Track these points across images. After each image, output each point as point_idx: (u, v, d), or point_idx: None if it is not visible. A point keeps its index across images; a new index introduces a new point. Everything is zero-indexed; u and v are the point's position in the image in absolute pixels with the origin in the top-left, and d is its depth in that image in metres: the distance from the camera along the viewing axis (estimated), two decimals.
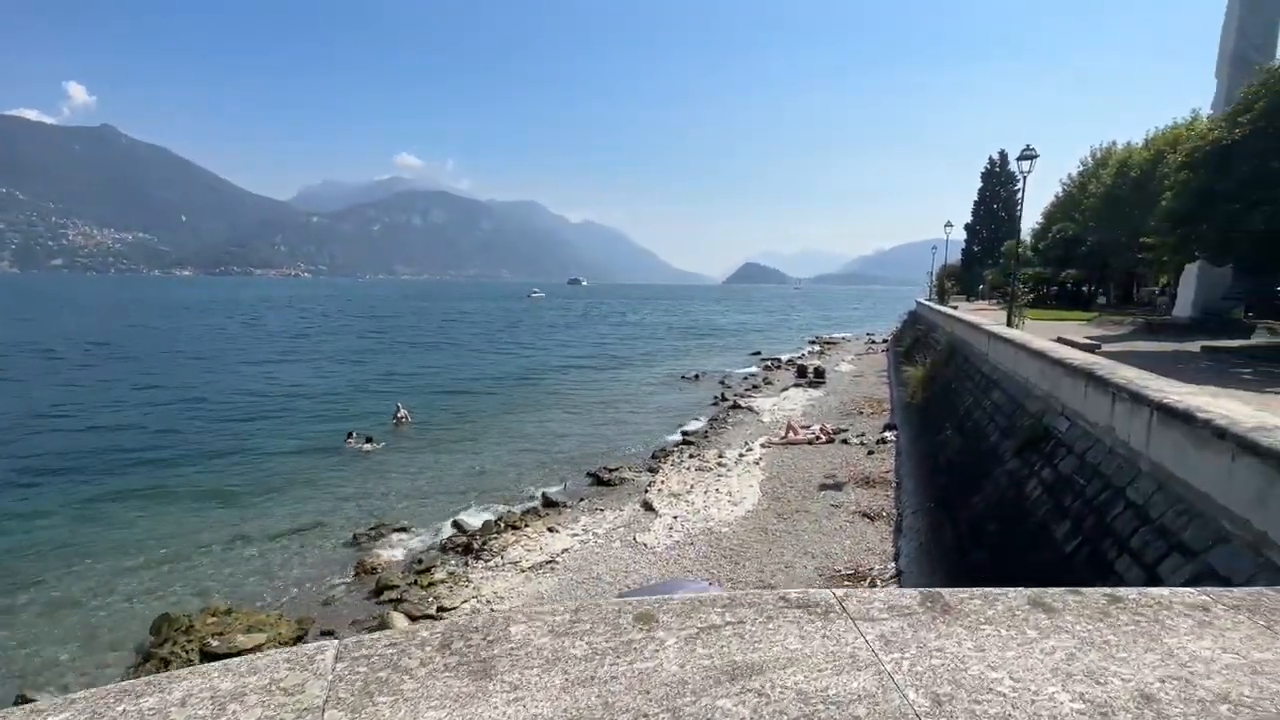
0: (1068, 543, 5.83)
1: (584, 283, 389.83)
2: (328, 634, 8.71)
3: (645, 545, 10.88)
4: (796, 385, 28.07)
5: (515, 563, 10.47)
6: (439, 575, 10.12)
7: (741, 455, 16.38)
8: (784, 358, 40.27)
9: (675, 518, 12.09)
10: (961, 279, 57.13)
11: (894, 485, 13.07)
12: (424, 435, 20.11)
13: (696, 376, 33.31)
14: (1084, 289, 38.74)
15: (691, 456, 16.55)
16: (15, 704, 7.00)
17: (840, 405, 23.06)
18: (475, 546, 11.24)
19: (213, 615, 8.66)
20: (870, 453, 15.85)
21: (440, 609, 8.98)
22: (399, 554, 11.38)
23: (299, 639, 8.48)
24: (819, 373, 28.83)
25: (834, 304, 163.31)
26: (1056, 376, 8.10)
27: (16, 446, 18.13)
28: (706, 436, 19.54)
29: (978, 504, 8.52)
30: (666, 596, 2.23)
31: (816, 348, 48.34)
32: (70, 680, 7.71)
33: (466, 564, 10.70)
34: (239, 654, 7.54)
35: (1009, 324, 16.34)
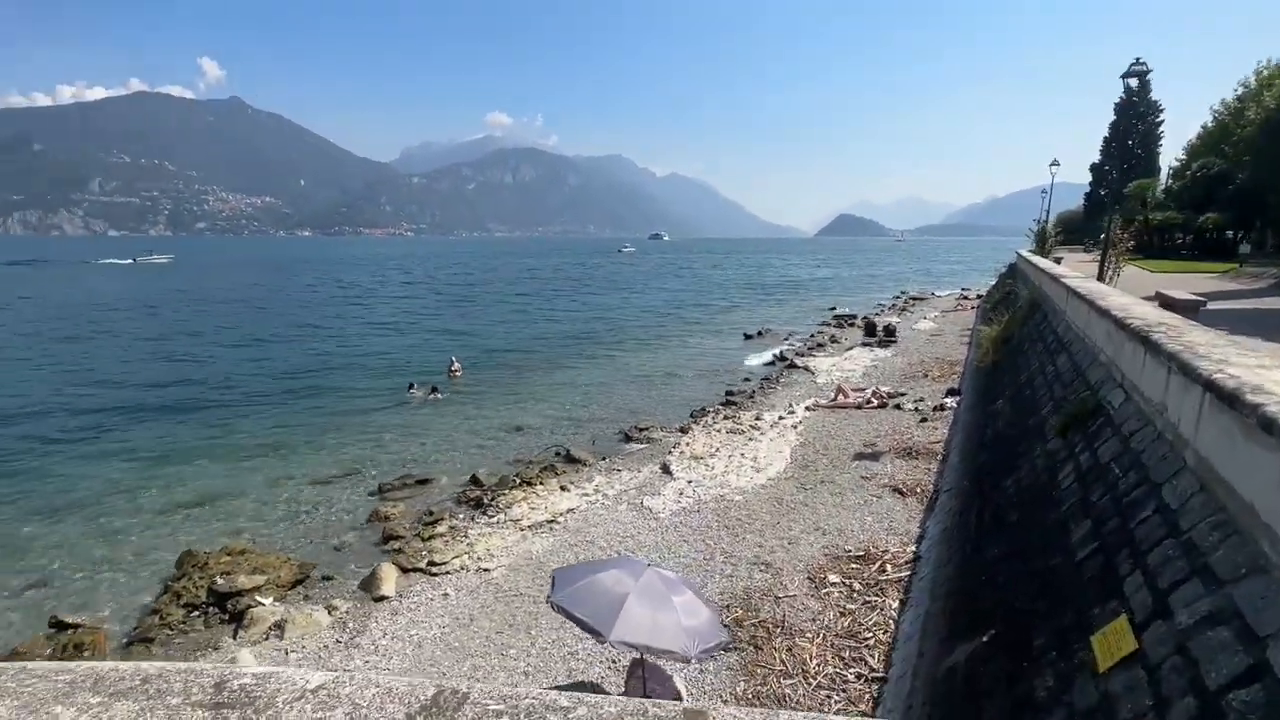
0: (1082, 547, 4.72)
1: (665, 237, 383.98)
2: (326, 579, 9.06)
3: (650, 510, 10.46)
4: (864, 345, 26.21)
5: (517, 520, 10.39)
6: (441, 529, 10.22)
7: (781, 418, 15.47)
8: (859, 315, 37.83)
9: (689, 482, 11.56)
10: (1081, 227, 50.45)
11: (939, 458, 11.76)
12: (473, 389, 20.60)
13: (760, 333, 32.14)
14: (1228, 236, 32.96)
15: (726, 418, 15.83)
16: (50, 627, 7.78)
17: (906, 367, 21.27)
18: (485, 501, 11.30)
19: (227, 554, 9.22)
20: (923, 420, 14.43)
21: (431, 563, 9.05)
22: (417, 504, 11.67)
23: (298, 582, 8.87)
24: (889, 331, 26.69)
25: (934, 257, 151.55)
26: (1120, 340, 6.63)
27: (123, 391, 20.40)
28: (752, 397, 18.69)
29: (1009, 487, 7.30)
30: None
31: (900, 304, 45.13)
32: (102, 605, 8.51)
33: (472, 518, 10.77)
34: (240, 594, 8.02)
35: (1100, 275, 13.99)
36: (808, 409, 16.34)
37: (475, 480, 12.46)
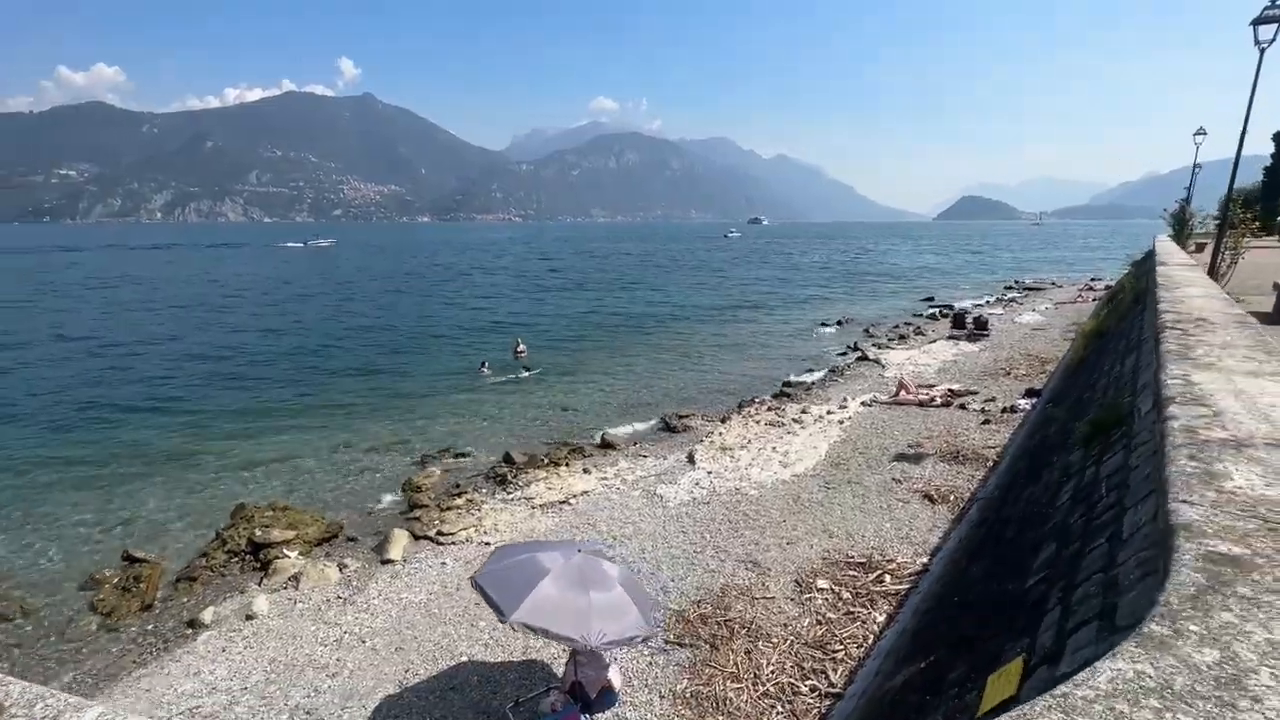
0: (1035, 574, 4.11)
1: (765, 221, 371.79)
2: (350, 540, 9.84)
3: (660, 498, 10.37)
4: (950, 338, 24.17)
5: (531, 499, 10.69)
6: (459, 501, 10.72)
7: (829, 413, 14.70)
8: (955, 305, 34.87)
9: (709, 473, 11.32)
10: (1263, 207, 42.78)
11: (989, 465, 10.67)
12: (535, 367, 21.37)
13: (839, 323, 30.66)
14: None
15: (770, 410, 15.28)
16: (122, 559, 9.10)
17: (989, 364, 19.39)
18: (509, 478, 11.71)
19: (272, 509, 10.26)
20: (986, 422, 13.12)
21: (440, 533, 9.54)
22: (450, 476, 12.32)
23: (325, 540, 9.71)
24: (980, 324, 24.36)
25: (1070, 242, 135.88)
26: (1149, 338, 5.65)
27: (228, 362, 23.20)
28: (809, 389, 17.91)
29: (1022, 499, 6.51)
30: None
31: (1010, 294, 41.14)
32: (169, 544, 9.84)
33: (492, 494, 11.21)
34: (272, 545, 8.92)
35: (1212, 264, 11.91)
36: (863, 404, 15.45)
37: (508, 458, 12.92)
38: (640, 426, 15.25)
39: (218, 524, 10.24)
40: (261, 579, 8.56)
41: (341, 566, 8.80)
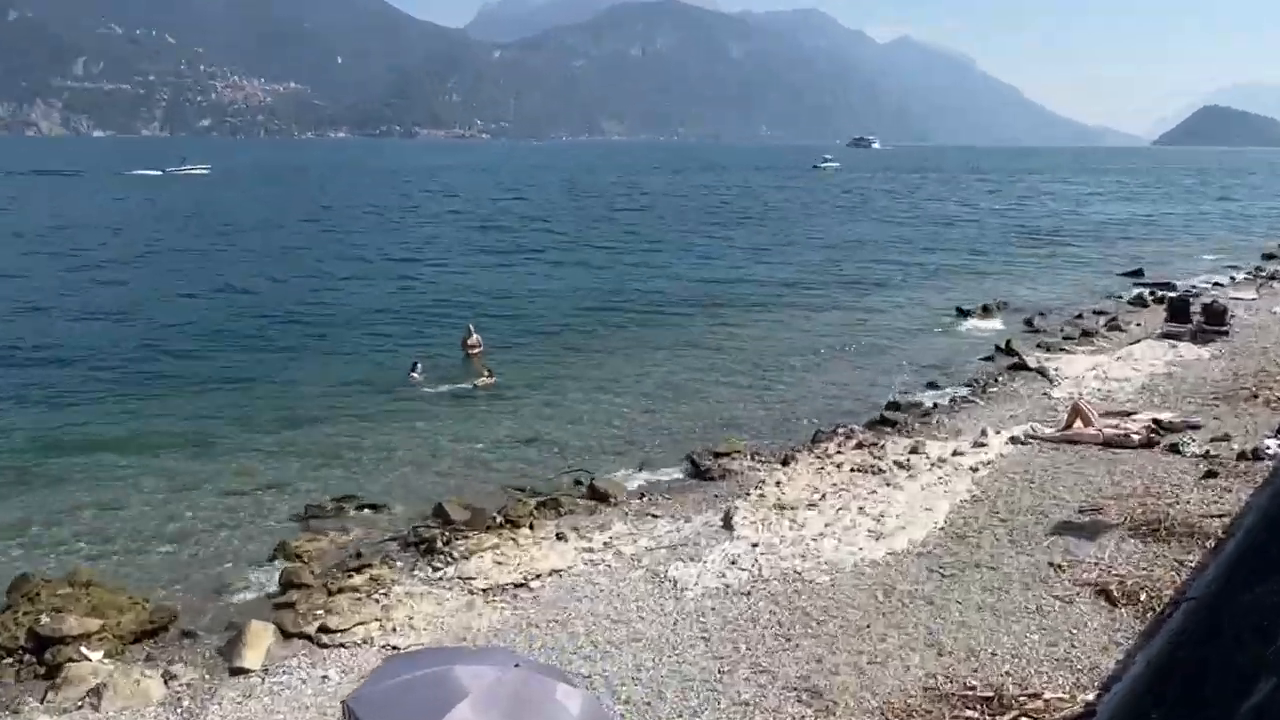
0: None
1: (875, 144, 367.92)
2: (187, 635, 10.00)
3: (674, 584, 10.38)
4: (1166, 335, 23.82)
5: (469, 579, 10.76)
6: (358, 580, 10.83)
7: (956, 453, 14.62)
8: (1177, 285, 34.29)
9: (754, 545, 11.31)
10: None
11: (1211, 544, 10.50)
12: (497, 372, 21.54)
13: (988, 309, 30.49)
14: None
15: (861, 447, 15.23)
16: None
17: (1225, 380, 19.10)
18: (438, 545, 11.83)
19: (70, 585, 10.38)
20: (1211, 474, 12.91)
21: (324, 629, 9.63)
22: (347, 537, 12.45)
23: (147, 634, 9.85)
24: (1216, 315, 23.88)
25: None
26: None
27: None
28: (928, 416, 17.83)
29: (1246, 603, 6.41)
30: None
31: (1273, 268, 40.36)
32: None
33: (411, 568, 11.32)
34: (64, 641, 9.13)
35: None
36: (1013, 440, 15.34)
37: (440, 512, 13.03)
38: (652, 469, 15.35)
39: None
40: (46, 692, 8.72)
41: (169, 677, 8.91)
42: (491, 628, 9.64)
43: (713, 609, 9.72)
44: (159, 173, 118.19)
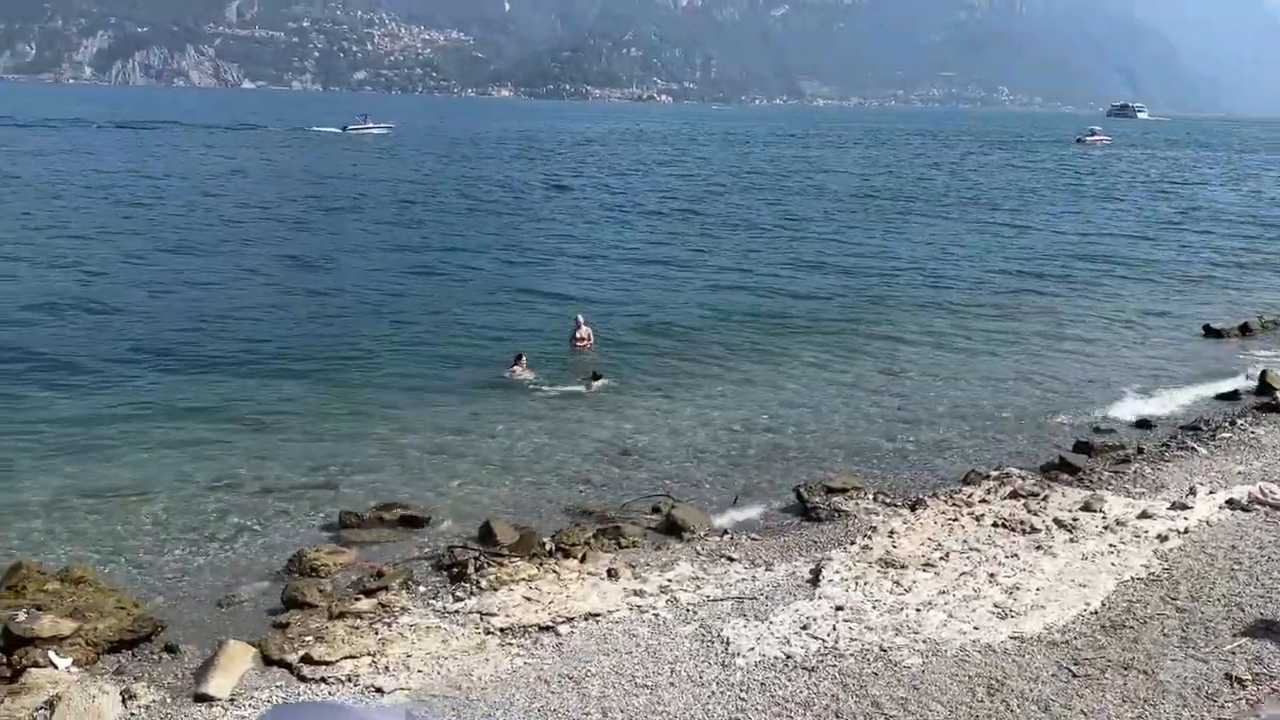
0: None
1: (1141, 113, 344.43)
2: (170, 650, 10.12)
3: (726, 645, 9.59)
4: None
5: (489, 614, 10.40)
6: (365, 604, 10.67)
7: (1145, 514, 13.00)
8: None
9: (838, 609, 10.33)
10: None
11: None
12: (608, 370, 21.30)
13: (1248, 329, 27.62)
14: None
15: (1016, 496, 13.83)
16: None
17: None
18: (470, 570, 11.58)
19: (61, 579, 10.78)
20: None
21: (307, 658, 9.46)
22: (373, 554, 12.45)
23: (125, 645, 10.04)
24: None
25: None
26: None
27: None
28: (1124, 463, 16.08)
29: None
30: None
31: None
32: None
33: (430, 596, 11.11)
34: (31, 642, 9.45)
35: None
36: (1230, 504, 13.54)
37: (487, 532, 12.84)
38: (750, 501, 14.78)
39: None
40: (2, 697, 9.03)
41: (128, 696, 8.97)
42: (494, 677, 9.19)
43: (762, 685, 8.87)
44: (338, 130, 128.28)
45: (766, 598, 10.84)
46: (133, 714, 8.82)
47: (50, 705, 8.80)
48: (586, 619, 10.42)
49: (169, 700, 9.04)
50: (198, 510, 13.81)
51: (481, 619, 10.40)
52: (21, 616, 9.98)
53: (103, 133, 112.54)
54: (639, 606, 10.70)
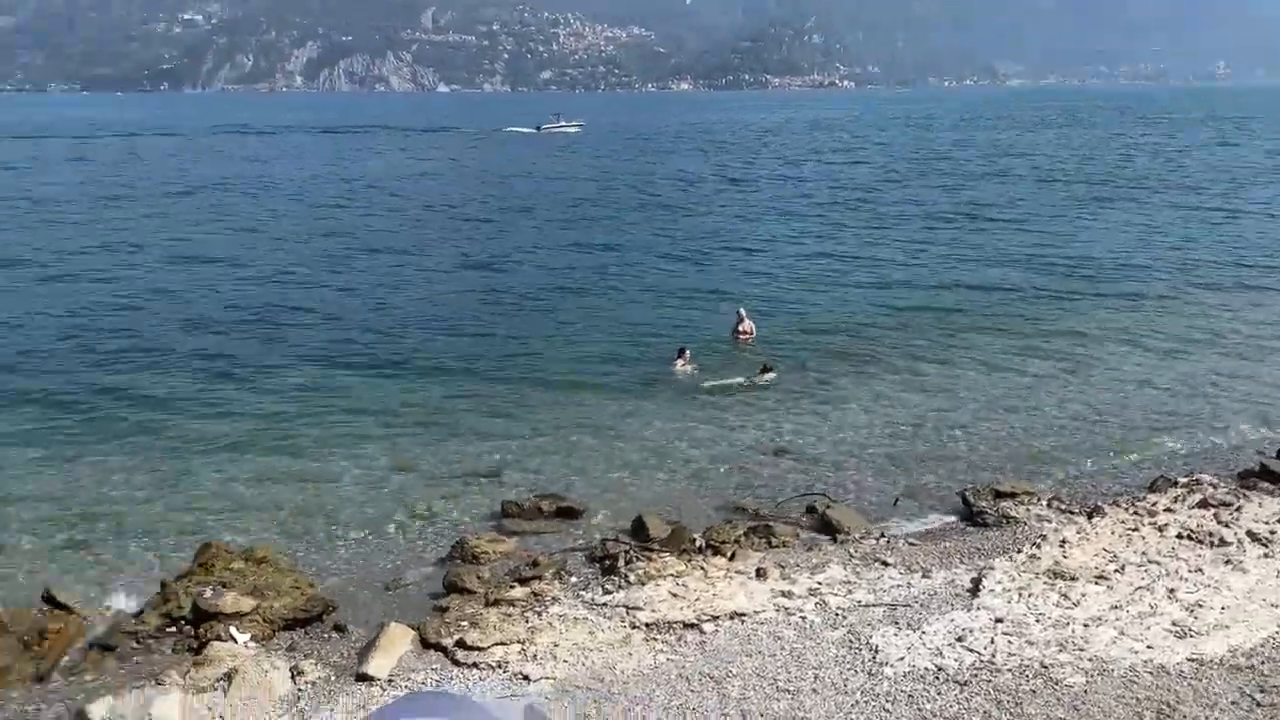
0: None
1: None
2: (339, 629, 10.72)
3: (875, 653, 9.31)
4: None
5: (635, 608, 10.49)
6: (519, 593, 10.98)
7: None
8: None
9: (998, 620, 9.85)
10: None
11: None
12: (769, 372, 21.10)
13: None
14: None
15: (1206, 505, 12.78)
16: (42, 599, 11.26)
17: None
18: (619, 564, 11.71)
19: (245, 559, 11.62)
20: None
21: (461, 643, 9.84)
22: (530, 543, 12.79)
23: (299, 623, 10.71)
24: None
25: None
26: None
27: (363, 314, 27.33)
28: None
29: None
30: None
31: None
32: (107, 584, 11.85)
33: (581, 588, 11.29)
34: (215, 617, 10.26)
35: None
36: None
37: (639, 526, 12.96)
38: (913, 505, 14.35)
39: (177, 565, 12.09)
40: (190, 668, 9.80)
41: (296, 673, 9.59)
42: (637, 672, 9.27)
43: (909, 697, 8.58)
44: (533, 130, 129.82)
45: (921, 606, 10.48)
46: (300, 690, 9.40)
47: (228, 677, 9.49)
48: (732, 618, 10.37)
49: (333, 678, 9.59)
50: (372, 498, 14.59)
51: (628, 613, 10.51)
52: (208, 593, 10.83)
53: (310, 138, 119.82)
54: (786, 608, 10.56)
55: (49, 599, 11.15)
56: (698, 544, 12.38)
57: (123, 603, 11.54)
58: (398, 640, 9.99)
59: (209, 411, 18.44)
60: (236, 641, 10.23)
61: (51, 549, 12.99)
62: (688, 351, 21.78)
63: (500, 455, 16.40)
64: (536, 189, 61.77)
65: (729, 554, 12.03)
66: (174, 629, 10.62)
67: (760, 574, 11.42)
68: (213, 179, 65.05)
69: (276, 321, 26.05)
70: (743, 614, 10.45)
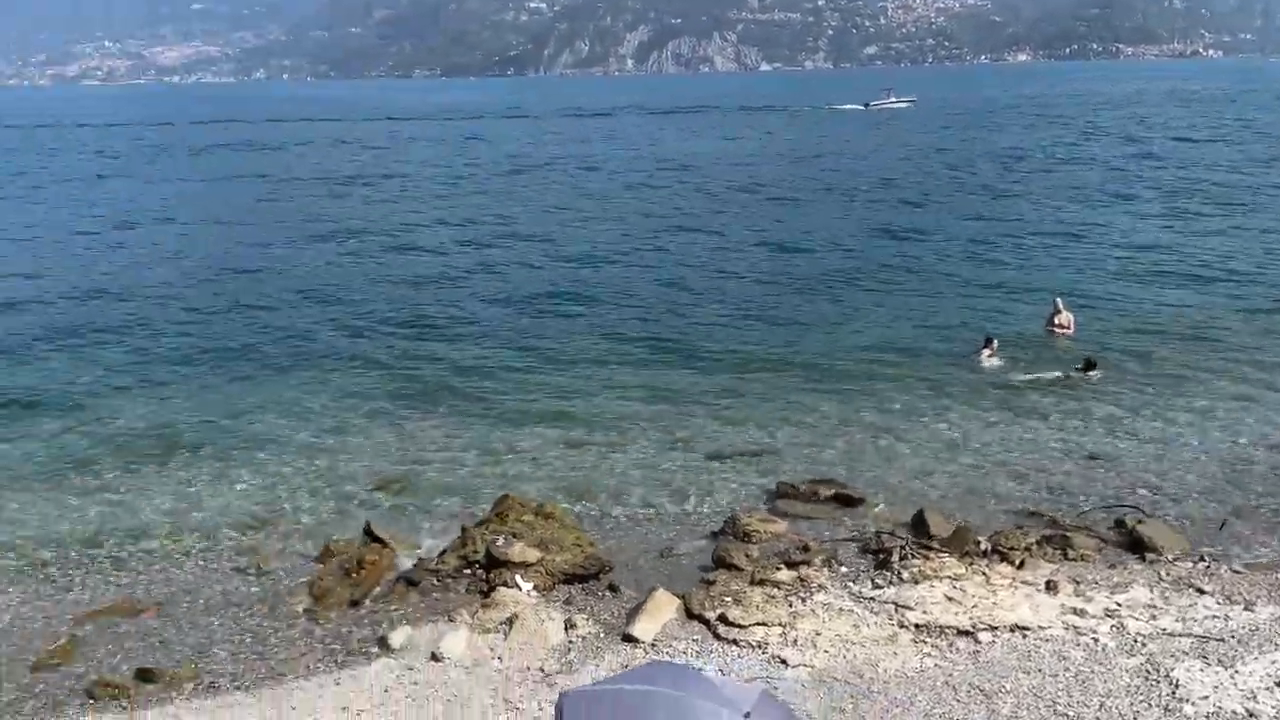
0: None
1: None
2: (612, 589, 11.13)
3: (1177, 690, 8.30)
4: None
5: (904, 606, 10.08)
6: (783, 575, 10.88)
7: None
8: None
9: None
10: None
11: None
12: (1092, 369, 19.54)
13: None
14: None
15: None
16: (364, 534, 12.62)
17: None
18: (893, 559, 11.30)
19: (536, 513, 12.35)
20: None
21: (723, 618, 9.92)
22: (802, 527, 12.67)
23: (577, 577, 11.26)
24: None
25: None
26: None
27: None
28: None
29: None
30: None
31: None
32: (420, 525, 13.15)
33: (850, 579, 11.00)
34: (504, 564, 11.05)
35: None
36: None
37: (919, 522, 12.44)
38: (1244, 527, 12.76)
39: (477, 514, 13.12)
40: (478, 609, 10.63)
41: (569, 625, 10.13)
42: (900, 673, 8.94)
43: None
44: (861, 107, 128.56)
45: (1238, 642, 9.30)
46: (571, 642, 9.93)
47: (510, 621, 10.21)
48: (1012, 630, 9.72)
49: (601, 635, 10.03)
50: (656, 467, 15.10)
51: (897, 610, 10.16)
52: (500, 541, 11.67)
53: (638, 118, 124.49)
54: (1076, 627, 9.74)
55: (369, 533, 12.54)
56: (982, 547, 11.69)
57: (429, 543, 12.75)
58: (664, 607, 10.27)
59: (514, 380, 19.66)
60: (521, 589, 10.94)
61: (377, 491, 14.56)
62: (995, 342, 20.63)
63: (781, 436, 16.39)
64: (849, 168, 60.73)
65: (1017, 562, 11.27)
66: (469, 571, 11.53)
67: (1050, 587, 10.60)
68: (542, 159, 69.66)
69: (580, 297, 27.33)
70: (1025, 627, 9.77)
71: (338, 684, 9.33)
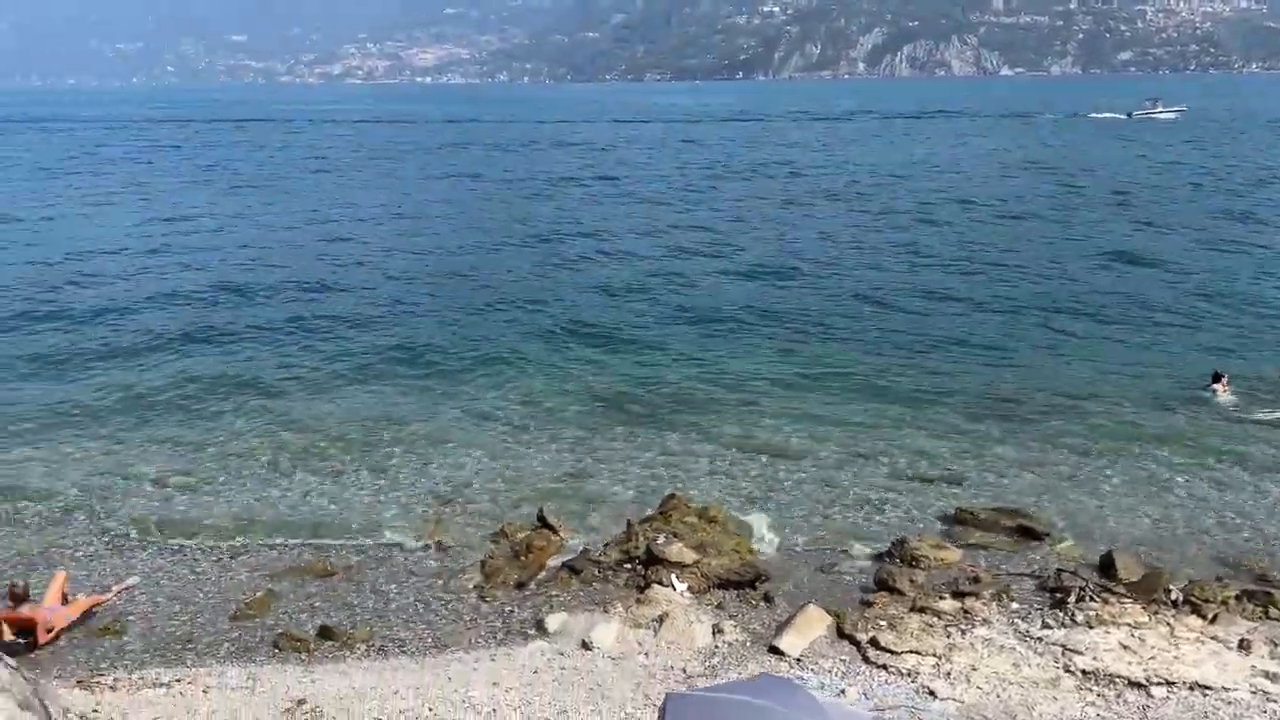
0: None
1: None
2: (767, 599, 11.10)
3: None
4: None
5: (1072, 649, 9.53)
6: (948, 605, 10.50)
7: None
8: None
9: None
10: None
11: None
12: None
13: None
14: None
15: None
16: (537, 519, 13.18)
17: None
18: (1070, 599, 10.70)
19: (699, 515, 12.52)
20: None
21: (874, 641, 9.70)
22: (977, 558, 12.14)
23: (731, 583, 11.31)
24: None
25: None
26: None
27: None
28: None
29: None
30: None
31: None
32: (589, 516, 13.60)
33: (1019, 617, 10.49)
34: (662, 562, 11.34)
35: None
36: None
37: (1108, 563, 11.71)
38: None
39: (642, 511, 13.42)
40: (633, 604, 10.92)
41: (717, 630, 10.23)
42: (1056, 718, 8.53)
43: None
44: (1124, 116, 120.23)
45: None
46: (717, 647, 10.04)
47: (660, 619, 10.45)
48: (1191, 688, 9.04)
49: (748, 644, 10.09)
50: (832, 479, 14.96)
51: (1064, 653, 9.66)
52: (661, 539, 11.93)
53: (873, 123, 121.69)
54: (1265, 692, 8.94)
55: (541, 519, 13.09)
56: (1173, 596, 10.88)
57: (594, 534, 13.14)
58: (814, 623, 10.20)
59: (697, 393, 19.64)
60: (675, 589, 11.15)
61: (554, 481, 15.15)
62: (1225, 377, 19.05)
63: (970, 463, 15.75)
64: (1095, 184, 56.44)
65: (1209, 615, 10.42)
66: (629, 565, 11.85)
67: (1244, 646, 9.76)
68: (751, 162, 69.66)
69: (770, 313, 26.76)
70: (1206, 686, 9.05)
71: (493, 660, 9.85)
